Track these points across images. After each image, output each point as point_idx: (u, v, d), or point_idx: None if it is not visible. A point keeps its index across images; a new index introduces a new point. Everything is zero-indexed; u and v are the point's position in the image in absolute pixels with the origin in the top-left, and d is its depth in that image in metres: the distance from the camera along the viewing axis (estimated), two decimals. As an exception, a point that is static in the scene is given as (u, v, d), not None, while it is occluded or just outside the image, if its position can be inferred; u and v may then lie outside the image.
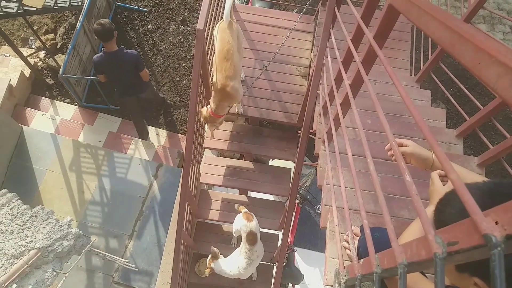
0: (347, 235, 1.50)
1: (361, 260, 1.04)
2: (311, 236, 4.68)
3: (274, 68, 3.59)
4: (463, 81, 2.45)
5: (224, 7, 2.74)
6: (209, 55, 3.02)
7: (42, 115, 5.36)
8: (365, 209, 1.14)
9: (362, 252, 1.26)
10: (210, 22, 2.90)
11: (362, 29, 1.42)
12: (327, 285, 1.46)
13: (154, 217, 4.79)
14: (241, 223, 3.09)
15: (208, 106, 3.00)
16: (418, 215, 0.71)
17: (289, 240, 4.08)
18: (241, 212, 3.22)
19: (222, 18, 2.76)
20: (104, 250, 4.30)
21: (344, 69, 1.74)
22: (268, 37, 3.77)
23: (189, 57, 5.94)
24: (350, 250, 1.37)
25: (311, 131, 2.62)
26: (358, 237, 1.40)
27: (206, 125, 3.65)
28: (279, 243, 3.43)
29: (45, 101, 5.60)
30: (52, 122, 5.33)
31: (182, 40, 6.05)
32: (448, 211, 0.86)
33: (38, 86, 5.71)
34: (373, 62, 1.47)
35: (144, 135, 5.37)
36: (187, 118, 5.55)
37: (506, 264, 0.46)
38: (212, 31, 3.00)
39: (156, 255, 4.61)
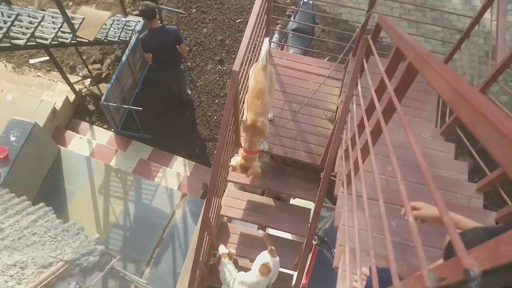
0: (362, 278, 1.53)
1: (368, 298, 1.09)
2: (327, 280, 4.58)
3: (302, 110, 3.73)
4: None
5: (260, 50, 2.95)
6: (241, 94, 3.19)
7: (80, 138, 5.67)
8: (376, 251, 1.20)
9: (369, 291, 1.30)
10: (246, 63, 3.10)
11: (385, 82, 1.53)
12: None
13: (173, 245, 4.86)
14: (264, 257, 3.17)
15: (237, 155, 3.21)
16: (417, 253, 0.78)
17: (303, 282, 4.03)
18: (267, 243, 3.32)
19: (258, 60, 2.96)
20: (115, 280, 4.39)
21: (366, 117, 1.84)
22: (298, 82, 3.94)
23: (222, 94, 6.21)
24: (360, 291, 1.40)
25: (332, 173, 2.69)
26: (367, 277, 1.44)
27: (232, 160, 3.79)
28: (293, 283, 3.40)
29: (84, 126, 5.94)
30: (88, 146, 5.62)
31: (217, 78, 6.36)
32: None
33: (80, 111, 6.09)
34: (393, 113, 1.57)
35: (183, 95, 5.99)
36: (215, 151, 5.73)
37: None
38: (247, 71, 3.20)
39: (170, 284, 4.63)
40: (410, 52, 1.28)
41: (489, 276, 0.53)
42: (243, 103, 3.53)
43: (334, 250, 4.58)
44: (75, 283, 2.53)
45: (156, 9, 4.61)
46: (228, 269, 3.28)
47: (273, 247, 3.26)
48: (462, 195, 2.36)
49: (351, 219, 1.79)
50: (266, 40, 3.00)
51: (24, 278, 2.42)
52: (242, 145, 3.15)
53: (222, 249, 3.40)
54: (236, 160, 3.23)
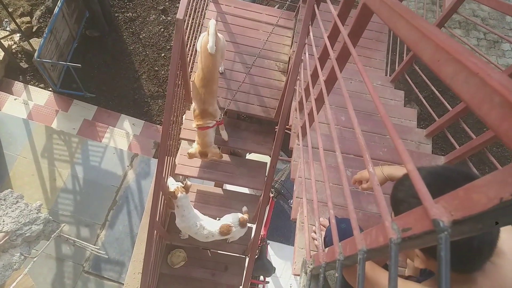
0: (316, 226, 1.54)
1: (326, 249, 1.08)
2: (285, 230, 4.75)
3: (255, 62, 3.60)
4: (436, 84, 2.53)
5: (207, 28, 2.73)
6: (188, 46, 3.00)
7: (15, 99, 5.19)
8: (333, 201, 1.18)
9: (328, 242, 1.30)
10: (191, 10, 2.88)
11: (338, 27, 1.46)
12: (295, 275, 1.50)
13: (128, 207, 4.75)
14: (232, 220, 3.15)
15: (194, 145, 3.18)
16: (378, 204, 0.75)
17: (262, 233, 4.13)
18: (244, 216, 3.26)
19: (206, 31, 2.74)
20: (66, 248, 4.24)
21: (320, 66, 1.78)
22: (248, 31, 3.77)
23: (168, 47, 5.87)
24: (319, 246, 1.41)
25: (287, 126, 2.65)
26: (326, 228, 1.45)
27: (184, 116, 3.65)
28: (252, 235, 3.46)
29: (18, 85, 5.42)
30: (25, 107, 5.17)
31: (162, 29, 5.98)
32: (400, 189, 0.95)
33: (12, 69, 5.52)
34: (347, 59, 1.51)
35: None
36: (165, 108, 5.50)
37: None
38: (194, 19, 2.99)
39: (128, 245, 4.57)
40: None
41: (458, 226, 0.50)
42: (191, 55, 3.33)
43: (291, 201, 4.72)
44: (19, 254, 2.38)
45: None
46: (188, 206, 3.07)
47: (247, 219, 3.24)
48: (412, 141, 2.43)
49: (307, 171, 1.78)
50: (212, 21, 2.76)
51: (-39, 254, 2.23)
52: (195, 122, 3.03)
53: (172, 181, 3.09)
54: (194, 147, 3.18)
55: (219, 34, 2.84)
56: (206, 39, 2.75)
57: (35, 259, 2.51)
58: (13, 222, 2.44)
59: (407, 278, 1.26)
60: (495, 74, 0.50)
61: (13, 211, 2.52)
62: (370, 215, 1.84)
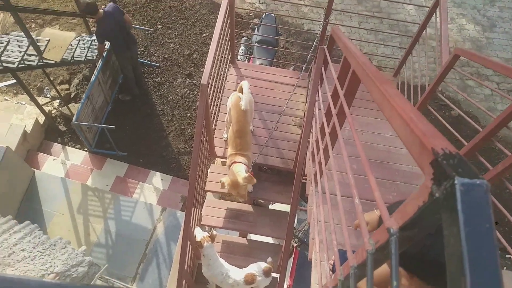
0: (330, 264, 1.70)
1: (333, 275, 1.26)
2: (310, 279, 4.74)
3: (273, 118, 3.91)
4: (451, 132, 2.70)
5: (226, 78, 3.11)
6: (211, 106, 3.35)
7: (54, 160, 5.66)
8: (339, 239, 1.38)
9: (335, 271, 1.46)
10: (213, 76, 3.27)
11: (336, 88, 1.73)
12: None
13: (157, 259, 4.91)
14: (257, 269, 3.25)
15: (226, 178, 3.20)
16: (360, 224, 0.95)
17: (288, 283, 4.17)
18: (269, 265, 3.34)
19: (237, 90, 3.14)
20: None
21: (326, 120, 2.04)
22: (266, 91, 4.14)
23: (194, 107, 6.34)
24: (327, 276, 1.57)
25: (304, 176, 2.87)
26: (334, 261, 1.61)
27: (208, 170, 3.92)
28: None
29: (57, 147, 5.93)
30: (62, 167, 5.61)
31: (188, 92, 6.50)
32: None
33: (51, 132, 6.08)
34: (345, 115, 1.76)
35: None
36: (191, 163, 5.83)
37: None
38: (216, 83, 3.37)
39: (157, 297, 4.68)
40: (352, 60, 1.47)
41: (403, 231, 0.71)
42: (215, 114, 3.68)
43: (313, 250, 4.79)
44: (66, 294, 2.61)
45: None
46: (214, 256, 3.19)
47: (271, 268, 3.32)
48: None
49: (319, 214, 1.97)
50: (245, 82, 3.20)
51: (18, 292, 2.48)
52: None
53: (199, 231, 3.21)
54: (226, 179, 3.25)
55: (249, 96, 3.22)
56: (236, 97, 3.12)
57: None
58: (62, 264, 2.71)
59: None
60: (421, 125, 0.73)
61: (62, 254, 2.80)
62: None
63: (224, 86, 3.97)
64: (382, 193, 1.82)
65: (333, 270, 1.37)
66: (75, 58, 5.66)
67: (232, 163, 3.16)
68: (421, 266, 0.99)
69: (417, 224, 0.68)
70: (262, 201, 4.62)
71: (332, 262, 1.53)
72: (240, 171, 3.06)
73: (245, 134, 3.18)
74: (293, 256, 4.50)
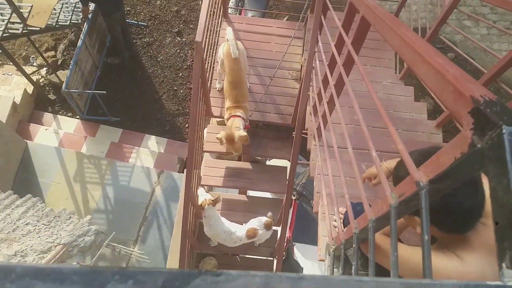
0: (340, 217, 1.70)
1: (345, 228, 1.25)
2: (309, 231, 4.87)
3: (268, 73, 3.80)
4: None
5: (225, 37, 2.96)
6: (207, 64, 3.22)
7: (46, 129, 5.54)
8: (349, 192, 1.36)
9: (346, 223, 1.46)
10: (207, 32, 3.12)
11: (343, 37, 1.64)
12: (320, 260, 1.66)
13: (157, 221, 4.97)
14: (258, 224, 3.28)
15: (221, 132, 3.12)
16: (382, 182, 0.92)
17: (287, 235, 4.27)
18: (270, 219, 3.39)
19: (227, 40, 3.00)
20: (110, 255, 4.49)
21: (330, 71, 1.96)
22: (260, 45, 3.99)
23: (185, 66, 6.16)
24: (339, 228, 1.57)
25: (304, 130, 2.83)
26: (343, 213, 1.60)
27: (205, 130, 3.86)
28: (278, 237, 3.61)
29: (48, 116, 5.79)
30: (55, 136, 5.52)
31: (178, 50, 6.28)
32: (400, 169, 1.16)
33: (41, 102, 5.91)
34: (352, 64, 1.69)
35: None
36: (186, 125, 5.76)
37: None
38: (210, 39, 3.23)
39: (160, 257, 4.78)
40: (361, 5, 1.38)
41: (434, 184, 0.67)
42: (210, 73, 3.57)
43: (313, 202, 4.87)
44: (76, 263, 2.65)
45: None
46: (216, 217, 3.22)
47: (272, 221, 3.38)
48: (423, 133, 2.57)
49: (325, 168, 1.95)
50: (229, 28, 3.05)
51: (27, 266, 2.52)
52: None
53: (202, 192, 3.22)
54: (222, 133, 3.18)
55: (239, 45, 3.10)
56: (227, 47, 3.01)
57: (91, 265, 2.77)
58: (68, 235, 2.72)
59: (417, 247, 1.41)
60: (452, 70, 0.67)
61: (67, 225, 2.81)
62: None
63: (217, 43, 3.81)
64: (385, 142, 1.78)
65: (344, 223, 1.36)
66: (59, 23, 5.41)
67: (230, 117, 3.11)
68: (440, 214, 0.98)
69: (451, 176, 0.64)
70: (259, 158, 4.62)
71: (341, 215, 1.52)
72: (238, 126, 3.03)
73: (241, 84, 3.10)
74: (291, 208, 4.57)
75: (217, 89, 3.65)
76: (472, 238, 1.02)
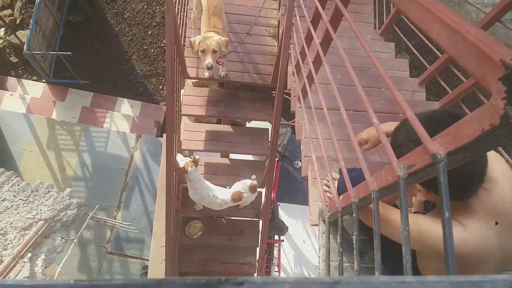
0: (327, 180, 1.67)
1: (341, 196, 1.22)
2: (292, 191, 4.94)
3: (244, 30, 3.63)
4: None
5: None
6: (178, 20, 3.03)
7: (11, 95, 5.24)
8: (341, 155, 1.31)
9: (341, 190, 1.43)
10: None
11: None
12: (312, 225, 1.65)
13: (139, 187, 4.91)
14: (243, 187, 3.25)
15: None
16: (385, 150, 0.87)
17: (272, 196, 4.31)
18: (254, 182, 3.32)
19: None
20: (95, 226, 4.44)
21: (313, 28, 1.85)
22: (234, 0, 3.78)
23: (154, 24, 5.83)
24: (330, 193, 1.54)
25: (285, 90, 2.74)
26: (337, 179, 1.58)
27: (182, 92, 3.71)
28: (263, 199, 3.63)
29: (11, 81, 5.44)
30: (22, 102, 5.23)
31: (145, 6, 5.91)
32: (399, 135, 1.09)
33: (2, 65, 5.51)
34: (340, 20, 1.59)
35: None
36: (161, 87, 5.55)
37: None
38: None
39: (145, 222, 4.77)
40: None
41: (452, 156, 0.62)
42: (183, 29, 3.36)
43: (296, 163, 4.89)
44: (60, 237, 2.58)
45: None
46: (200, 178, 3.17)
47: (256, 184, 3.33)
48: (406, 91, 2.54)
49: (312, 131, 1.90)
50: None
51: (8, 244, 2.44)
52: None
53: (180, 157, 3.15)
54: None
55: None
56: None
57: (75, 240, 2.70)
58: (49, 210, 2.62)
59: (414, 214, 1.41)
60: (473, 30, 0.60)
61: (47, 200, 2.69)
62: (374, 164, 1.98)
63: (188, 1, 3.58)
64: (369, 102, 1.72)
65: (339, 190, 1.33)
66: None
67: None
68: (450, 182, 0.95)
69: (474, 149, 0.59)
70: (239, 120, 4.54)
71: (335, 181, 1.49)
72: (212, 36, 2.80)
73: (219, 12, 2.92)
74: (274, 170, 4.58)
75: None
76: (474, 204, 1.01)
